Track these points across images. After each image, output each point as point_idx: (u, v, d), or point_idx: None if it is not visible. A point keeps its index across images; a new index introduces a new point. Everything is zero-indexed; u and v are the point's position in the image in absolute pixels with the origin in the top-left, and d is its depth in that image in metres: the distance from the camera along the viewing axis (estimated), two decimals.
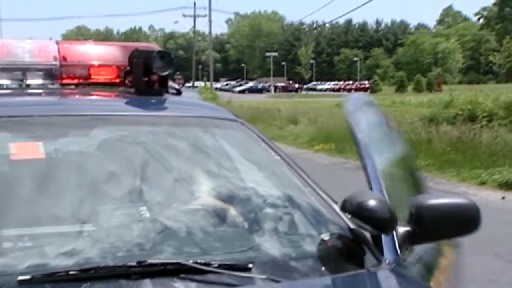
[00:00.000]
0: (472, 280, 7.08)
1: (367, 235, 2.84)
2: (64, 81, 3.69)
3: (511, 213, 11.84)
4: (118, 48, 3.86)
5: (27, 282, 2.27)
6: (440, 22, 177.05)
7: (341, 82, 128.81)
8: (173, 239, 2.63)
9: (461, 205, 2.91)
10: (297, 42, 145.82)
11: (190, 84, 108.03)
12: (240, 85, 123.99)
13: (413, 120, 24.86)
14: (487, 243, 8.76)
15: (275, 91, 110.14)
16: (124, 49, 3.76)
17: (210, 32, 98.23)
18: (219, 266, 2.40)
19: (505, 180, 14.76)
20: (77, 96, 3.74)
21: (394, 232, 2.81)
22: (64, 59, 3.64)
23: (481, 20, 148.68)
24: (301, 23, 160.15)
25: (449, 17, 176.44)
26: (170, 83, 3.70)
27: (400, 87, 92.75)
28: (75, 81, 3.74)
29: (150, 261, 2.38)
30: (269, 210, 2.92)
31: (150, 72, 3.41)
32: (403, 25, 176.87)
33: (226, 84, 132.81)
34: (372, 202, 2.67)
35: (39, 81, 3.62)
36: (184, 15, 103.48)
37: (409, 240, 2.87)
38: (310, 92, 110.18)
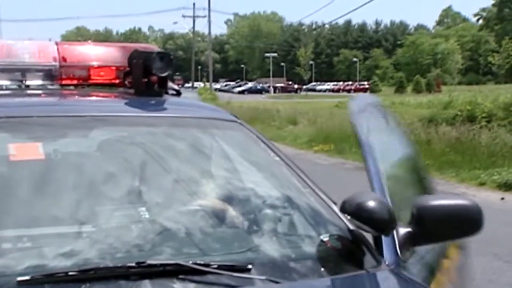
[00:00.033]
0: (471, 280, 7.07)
1: (367, 236, 2.84)
2: (64, 82, 3.69)
3: (511, 214, 11.85)
4: (118, 49, 3.85)
5: (26, 282, 2.27)
6: (439, 23, 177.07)
7: (341, 83, 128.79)
8: (172, 240, 2.63)
9: (463, 206, 2.90)
10: (297, 42, 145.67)
11: (190, 84, 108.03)
12: (240, 86, 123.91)
13: (413, 121, 24.87)
14: (487, 243, 8.76)
15: (274, 91, 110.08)
16: (124, 50, 3.76)
17: (209, 33, 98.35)
18: (219, 267, 2.41)
19: (504, 181, 14.77)
20: (76, 97, 3.74)
21: (395, 233, 2.81)
22: (64, 59, 3.63)
23: (480, 21, 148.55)
24: (301, 24, 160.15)
25: (448, 18, 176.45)
26: (170, 84, 3.70)
27: (400, 88, 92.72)
28: (75, 81, 3.74)
29: (149, 262, 2.38)
30: (268, 211, 2.92)
31: (149, 73, 3.40)
32: (403, 26, 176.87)
33: (226, 85, 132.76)
34: (371, 203, 2.67)
35: (39, 81, 3.62)
36: (183, 16, 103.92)
37: (410, 241, 2.87)
38: (310, 93, 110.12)
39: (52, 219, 2.68)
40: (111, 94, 3.78)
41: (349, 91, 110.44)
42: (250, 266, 2.47)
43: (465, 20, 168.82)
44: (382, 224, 2.67)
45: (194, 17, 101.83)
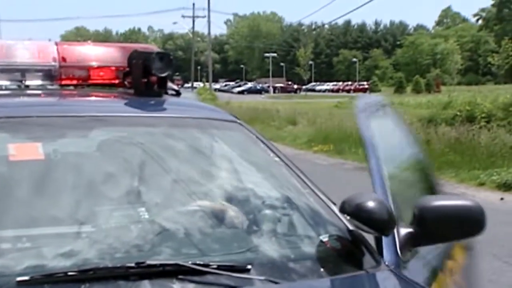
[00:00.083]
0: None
1: (367, 236, 2.84)
2: (63, 82, 3.69)
3: (510, 214, 11.85)
4: (117, 49, 3.85)
5: (26, 283, 2.27)
6: (439, 23, 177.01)
7: (340, 83, 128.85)
8: (172, 240, 2.63)
9: (465, 207, 2.90)
10: (296, 43, 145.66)
11: (189, 85, 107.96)
12: (239, 86, 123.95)
13: (412, 121, 24.86)
14: (486, 243, 8.74)
15: (274, 92, 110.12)
16: (123, 50, 3.76)
17: (209, 33, 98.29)
18: (218, 267, 2.41)
19: (504, 181, 14.79)
20: (76, 97, 3.74)
21: (395, 234, 2.81)
22: (63, 60, 3.63)
23: (480, 21, 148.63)
24: (300, 24, 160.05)
25: (448, 18, 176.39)
26: (169, 84, 3.70)
27: (399, 88, 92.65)
28: (74, 82, 3.74)
29: (148, 262, 2.39)
30: (267, 211, 2.92)
31: (149, 73, 3.40)
32: (402, 26, 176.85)
33: (225, 85, 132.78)
34: (370, 204, 2.67)
35: (38, 82, 3.61)
36: (183, 16, 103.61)
37: (412, 241, 2.86)
38: (309, 93, 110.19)
39: (51, 219, 2.68)
40: (110, 94, 3.78)
41: (348, 91, 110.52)
42: (249, 267, 2.47)
43: (464, 20, 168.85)
44: (381, 224, 2.67)
45: (193, 17, 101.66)
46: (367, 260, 2.75)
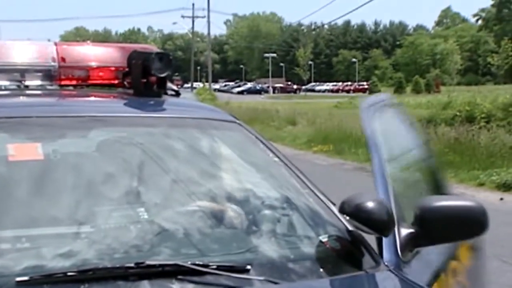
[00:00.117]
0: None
1: (366, 236, 2.84)
2: (63, 82, 3.68)
3: (510, 214, 11.85)
4: (117, 49, 3.85)
5: (25, 283, 2.27)
6: (438, 23, 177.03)
7: (340, 83, 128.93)
8: (171, 240, 2.63)
9: (467, 207, 2.89)
10: (296, 43, 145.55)
11: (189, 85, 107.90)
12: (239, 86, 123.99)
13: (412, 121, 24.85)
14: (486, 244, 8.76)
15: (273, 92, 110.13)
16: (123, 50, 3.75)
17: (208, 33, 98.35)
18: (217, 268, 2.41)
19: (503, 181, 14.80)
20: (75, 97, 3.73)
21: (396, 234, 2.81)
22: (63, 60, 3.63)
23: (480, 22, 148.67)
24: (300, 24, 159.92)
25: (448, 18, 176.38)
26: (169, 84, 3.70)
27: (399, 88, 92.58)
28: (74, 82, 3.73)
29: (148, 262, 2.39)
30: (267, 211, 2.92)
31: (148, 73, 3.40)
32: (402, 26, 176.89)
33: (225, 85, 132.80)
34: (370, 204, 2.67)
35: (38, 82, 3.61)
36: (182, 16, 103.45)
37: (413, 242, 2.86)
38: (309, 93, 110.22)
39: (50, 219, 2.68)
40: (110, 95, 3.77)
41: (348, 91, 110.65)
42: (249, 267, 2.47)
43: (464, 20, 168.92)
44: (381, 225, 2.67)
45: (193, 17, 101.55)
46: (367, 260, 2.75)
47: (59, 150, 2.99)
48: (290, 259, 2.65)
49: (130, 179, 2.94)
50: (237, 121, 3.50)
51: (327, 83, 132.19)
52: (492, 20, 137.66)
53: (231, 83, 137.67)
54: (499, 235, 9.66)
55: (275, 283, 2.45)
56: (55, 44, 3.71)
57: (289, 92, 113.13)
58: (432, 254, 3.15)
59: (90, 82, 3.76)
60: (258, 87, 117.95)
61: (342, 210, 2.80)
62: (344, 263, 2.74)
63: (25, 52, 3.59)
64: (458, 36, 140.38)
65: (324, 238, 2.81)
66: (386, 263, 2.75)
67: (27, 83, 3.58)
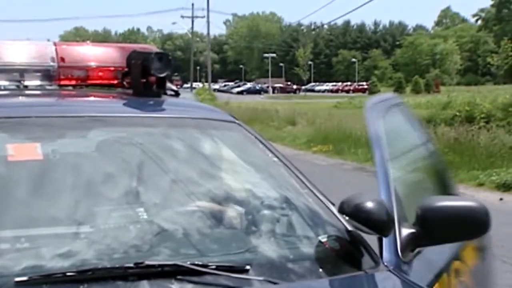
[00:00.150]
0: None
1: (366, 237, 2.84)
2: (62, 82, 3.67)
3: (509, 214, 11.85)
4: (116, 49, 3.84)
5: (24, 283, 2.27)
6: (438, 23, 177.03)
7: (339, 83, 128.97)
8: (170, 240, 2.63)
9: (469, 208, 2.88)
10: (295, 43, 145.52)
11: (188, 85, 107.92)
12: (238, 86, 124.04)
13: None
14: None
15: (273, 92, 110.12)
16: (122, 51, 3.75)
17: (208, 33, 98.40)
18: (217, 268, 2.41)
19: (503, 182, 14.80)
20: (74, 98, 3.73)
21: (397, 234, 2.81)
22: (62, 60, 3.62)
23: (479, 22, 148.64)
24: (299, 24, 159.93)
25: (447, 18, 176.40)
26: (168, 84, 3.69)
27: (398, 88, 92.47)
28: (73, 82, 3.73)
29: (147, 262, 2.38)
30: (266, 211, 2.92)
31: (148, 73, 3.40)
32: (401, 26, 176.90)
33: (224, 85, 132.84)
34: (369, 204, 2.66)
35: (37, 82, 3.60)
36: (182, 16, 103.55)
37: (414, 242, 2.86)
38: (308, 93, 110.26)
39: (50, 219, 2.67)
40: (109, 95, 3.77)
41: (347, 91, 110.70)
42: (248, 267, 2.47)
43: (464, 20, 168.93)
44: (380, 225, 2.67)
45: (193, 17, 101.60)
46: (366, 260, 2.75)
47: (58, 150, 2.98)
48: (290, 259, 2.65)
49: (129, 179, 2.94)
50: (237, 121, 3.50)
51: (327, 83, 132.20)
52: (491, 20, 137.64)
53: (231, 83, 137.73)
54: (499, 235, 9.65)
55: (275, 283, 2.45)
56: (55, 44, 3.71)
57: (288, 92, 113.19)
58: (434, 254, 3.13)
59: (89, 82, 3.75)
60: (257, 87, 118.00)
61: (341, 210, 2.79)
62: (344, 263, 2.74)
63: (24, 52, 3.59)
64: (457, 36, 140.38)
65: (323, 238, 2.81)
66: (385, 263, 2.75)
67: (26, 83, 3.57)
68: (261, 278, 2.44)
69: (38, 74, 3.60)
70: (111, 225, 2.68)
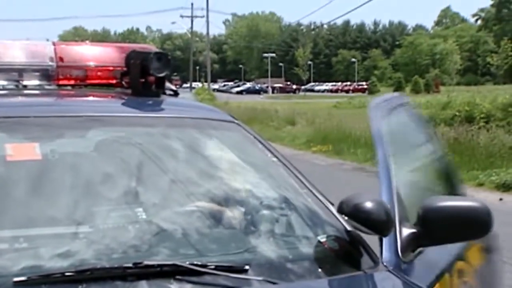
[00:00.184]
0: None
1: (365, 237, 2.83)
2: (61, 82, 3.67)
3: (509, 214, 11.84)
4: (115, 49, 3.84)
5: (23, 283, 2.27)
6: (438, 23, 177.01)
7: (339, 83, 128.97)
8: (169, 240, 2.63)
9: (471, 208, 2.86)
10: (295, 43, 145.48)
11: (188, 85, 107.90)
12: (238, 86, 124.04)
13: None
14: None
15: (272, 92, 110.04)
16: (121, 50, 3.75)
17: (207, 33, 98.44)
18: (216, 268, 2.40)
19: (503, 182, 14.80)
20: (73, 97, 3.73)
21: (398, 234, 2.80)
22: (61, 60, 3.62)
23: (479, 22, 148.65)
24: (299, 24, 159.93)
25: (447, 18, 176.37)
26: (167, 84, 3.69)
27: (398, 88, 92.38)
28: (72, 82, 3.73)
29: (146, 262, 2.38)
30: (265, 211, 2.91)
31: (147, 73, 3.40)
32: (401, 26, 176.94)
33: (224, 85, 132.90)
34: (368, 204, 2.65)
35: (36, 82, 3.60)
36: (181, 16, 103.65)
37: (415, 242, 2.85)
38: (308, 93, 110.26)
39: (48, 219, 2.67)
40: (108, 95, 3.77)
41: (347, 91, 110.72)
42: (247, 267, 2.47)
43: (463, 20, 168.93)
44: (379, 225, 2.66)
45: (192, 17, 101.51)
46: (365, 260, 2.75)
47: (57, 150, 2.98)
48: (289, 259, 2.65)
49: (128, 179, 2.94)
50: (236, 121, 3.50)
51: (326, 83, 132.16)
52: (491, 20, 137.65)
53: (230, 83, 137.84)
54: (499, 235, 9.65)
55: (274, 283, 2.45)
56: (53, 43, 3.70)
57: (288, 92, 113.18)
58: (436, 255, 3.11)
59: (88, 82, 3.75)
60: (257, 87, 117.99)
61: (340, 210, 2.79)
62: (343, 263, 2.74)
63: (23, 51, 3.58)
64: (457, 36, 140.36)
65: (322, 238, 2.80)
66: (385, 263, 2.75)
67: (25, 82, 3.57)
68: (260, 278, 2.44)
69: (37, 73, 3.60)
70: (110, 225, 2.68)
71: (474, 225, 2.86)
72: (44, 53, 3.61)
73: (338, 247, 2.79)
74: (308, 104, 56.26)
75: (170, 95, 3.77)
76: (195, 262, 2.41)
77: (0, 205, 2.67)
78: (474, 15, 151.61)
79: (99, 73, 3.74)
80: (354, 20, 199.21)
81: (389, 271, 2.72)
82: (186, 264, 2.39)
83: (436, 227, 2.82)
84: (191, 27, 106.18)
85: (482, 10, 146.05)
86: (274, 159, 3.27)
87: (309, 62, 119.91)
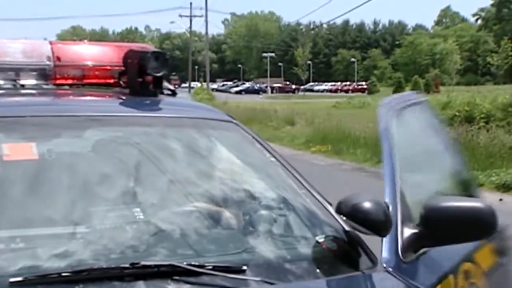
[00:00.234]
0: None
1: (364, 237, 2.82)
2: (58, 82, 3.66)
3: (509, 215, 11.81)
4: (113, 48, 3.83)
5: (19, 283, 2.26)
6: (438, 23, 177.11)
7: (338, 83, 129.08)
8: (167, 241, 2.62)
9: (475, 208, 2.85)
10: (294, 42, 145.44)
11: (187, 84, 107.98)
12: (237, 86, 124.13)
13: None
14: None
15: (272, 92, 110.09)
16: (119, 50, 3.74)
17: (206, 33, 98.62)
18: (213, 268, 2.40)
19: (503, 182, 14.80)
20: (71, 97, 3.72)
21: (399, 234, 2.79)
22: (58, 59, 3.61)
23: (479, 21, 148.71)
24: (298, 24, 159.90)
25: (447, 18, 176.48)
26: (165, 84, 3.68)
27: (398, 88, 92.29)
28: (69, 81, 3.72)
29: (143, 263, 2.38)
30: (263, 212, 2.90)
31: (144, 72, 3.39)
32: (401, 26, 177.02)
33: (223, 85, 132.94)
34: (367, 204, 2.65)
35: (33, 81, 3.59)
36: (180, 15, 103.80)
37: (416, 242, 2.84)
38: (307, 93, 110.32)
39: (45, 219, 2.66)
40: (105, 94, 3.76)
41: (347, 91, 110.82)
42: (245, 267, 2.47)
43: (463, 20, 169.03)
44: (377, 225, 2.65)
45: (191, 16, 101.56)
46: (363, 261, 2.74)
47: (54, 150, 2.98)
48: (287, 259, 2.65)
49: (126, 179, 2.93)
50: (234, 121, 3.49)
51: (326, 83, 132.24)
52: (491, 19, 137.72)
53: (229, 83, 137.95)
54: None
55: (271, 283, 2.44)
56: (50, 43, 3.69)
57: (287, 92, 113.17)
58: (440, 255, 3.08)
59: (85, 81, 3.74)
60: (256, 87, 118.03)
61: (338, 211, 2.78)
62: (341, 263, 2.73)
63: (20, 50, 3.57)
64: (457, 36, 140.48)
65: (320, 239, 2.80)
66: (384, 264, 2.74)
67: (22, 82, 3.56)
68: (258, 279, 2.44)
69: (34, 73, 3.59)
70: (108, 226, 2.68)
71: (478, 226, 2.84)
72: (41, 52, 3.60)
73: (336, 247, 2.78)
74: (308, 104, 56.27)
75: (168, 94, 3.76)
76: (193, 263, 2.41)
77: None
78: (474, 15, 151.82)
79: (96, 73, 3.73)
80: (354, 20, 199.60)
81: (387, 271, 2.71)
82: (184, 264, 2.39)
83: (438, 228, 2.81)
84: (190, 27, 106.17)
85: (482, 9, 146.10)
86: (273, 159, 3.26)
87: (309, 62, 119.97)
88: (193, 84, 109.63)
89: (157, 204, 2.84)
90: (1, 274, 2.31)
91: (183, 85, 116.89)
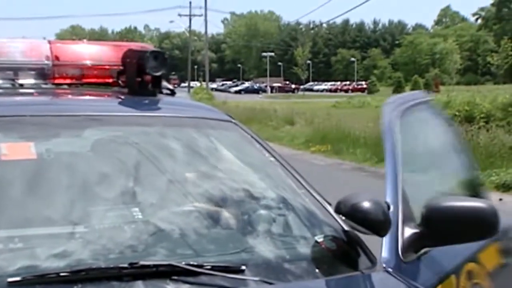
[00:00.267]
0: None
1: (368, 237, 2.81)
2: (57, 81, 3.66)
3: (509, 215, 11.80)
4: (112, 48, 3.83)
5: (17, 283, 2.26)
6: (437, 22, 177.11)
7: (338, 83, 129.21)
8: (166, 241, 2.62)
9: (476, 208, 2.84)
10: (294, 42, 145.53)
11: (186, 84, 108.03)
12: (236, 86, 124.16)
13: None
14: None
15: (271, 91, 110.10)
16: (118, 49, 3.73)
17: (206, 32, 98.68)
18: (212, 268, 2.40)
19: (503, 182, 14.81)
20: (69, 96, 3.71)
21: (399, 234, 2.79)
22: (57, 58, 3.60)
23: (479, 21, 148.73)
24: (298, 23, 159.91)
25: (447, 17, 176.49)
26: (164, 83, 3.68)
27: (398, 88, 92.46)
28: (68, 81, 3.71)
29: (142, 262, 2.37)
30: (262, 211, 2.90)
31: (143, 72, 3.39)
32: (401, 26, 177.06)
33: (222, 85, 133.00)
34: (366, 204, 2.65)
35: (31, 80, 3.58)
36: (179, 15, 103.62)
37: (417, 242, 2.84)
38: (307, 93, 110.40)
39: (44, 219, 2.66)
40: (104, 94, 3.76)
41: (346, 91, 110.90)
42: (243, 267, 2.47)
43: (463, 19, 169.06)
44: (377, 225, 2.65)
45: (190, 16, 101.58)
46: (363, 260, 2.74)
47: (52, 150, 2.97)
48: (286, 259, 2.64)
49: (125, 179, 2.93)
50: (233, 121, 3.49)
51: (326, 83, 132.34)
52: (491, 19, 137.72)
53: (229, 82, 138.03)
54: None
55: (270, 283, 2.44)
56: (49, 42, 3.69)
57: (287, 91, 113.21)
58: (442, 256, 3.08)
59: (84, 80, 3.74)
60: (255, 87, 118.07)
61: (338, 210, 2.78)
62: (340, 263, 2.72)
63: (18, 50, 3.57)
64: (457, 36, 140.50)
65: (319, 239, 2.80)
66: (384, 263, 2.74)
67: (20, 81, 3.55)
68: (256, 279, 2.44)
69: (33, 72, 3.58)
70: (106, 225, 2.67)
71: (479, 226, 2.83)
72: (40, 51, 3.60)
73: (336, 247, 2.78)
74: (307, 104, 56.29)
75: (167, 94, 3.75)
76: (191, 262, 2.40)
77: None
78: (474, 14, 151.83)
79: (95, 72, 3.73)
80: (354, 19, 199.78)
81: (387, 271, 2.71)
82: (182, 264, 2.39)
83: (440, 228, 2.80)
84: (189, 26, 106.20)
85: (482, 9, 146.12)
86: (272, 159, 3.26)
87: (308, 62, 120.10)
88: (192, 83, 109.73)
89: (156, 204, 2.83)
90: (0, 274, 2.30)
91: (183, 84, 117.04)
